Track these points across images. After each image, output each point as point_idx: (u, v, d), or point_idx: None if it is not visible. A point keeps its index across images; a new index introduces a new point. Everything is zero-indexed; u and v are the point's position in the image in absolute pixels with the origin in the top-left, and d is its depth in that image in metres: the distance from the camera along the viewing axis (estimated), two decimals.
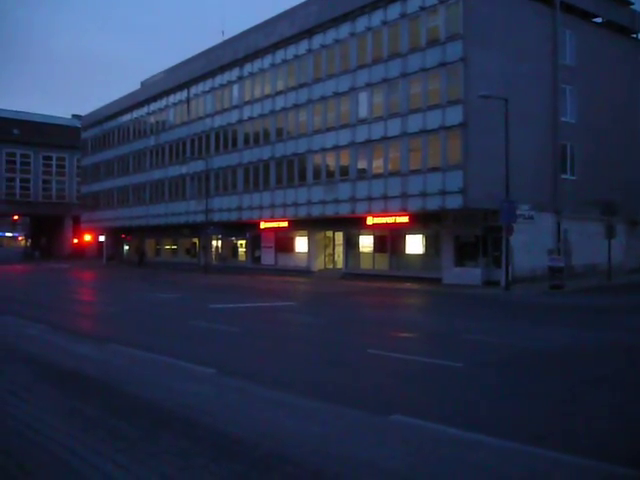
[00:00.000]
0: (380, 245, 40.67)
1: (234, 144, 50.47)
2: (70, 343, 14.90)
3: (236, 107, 50.20)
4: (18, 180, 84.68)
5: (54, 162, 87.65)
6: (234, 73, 50.38)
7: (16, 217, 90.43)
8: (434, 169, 34.37)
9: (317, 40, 42.06)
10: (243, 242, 53.70)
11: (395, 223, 37.65)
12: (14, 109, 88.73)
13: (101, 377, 10.77)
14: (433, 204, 34.38)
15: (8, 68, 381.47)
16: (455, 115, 33.08)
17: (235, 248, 55.21)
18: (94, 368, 11.62)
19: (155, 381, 10.54)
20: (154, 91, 62.57)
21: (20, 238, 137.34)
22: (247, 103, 48.95)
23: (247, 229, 50.51)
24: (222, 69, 51.75)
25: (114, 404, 8.88)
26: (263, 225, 48.15)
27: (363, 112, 38.79)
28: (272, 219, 46.64)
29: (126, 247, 74.22)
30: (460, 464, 6.52)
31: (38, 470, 6.18)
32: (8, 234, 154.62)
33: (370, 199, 38.02)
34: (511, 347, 14.41)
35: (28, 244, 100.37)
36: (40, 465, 6.33)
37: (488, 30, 33.34)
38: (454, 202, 33.15)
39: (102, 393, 9.59)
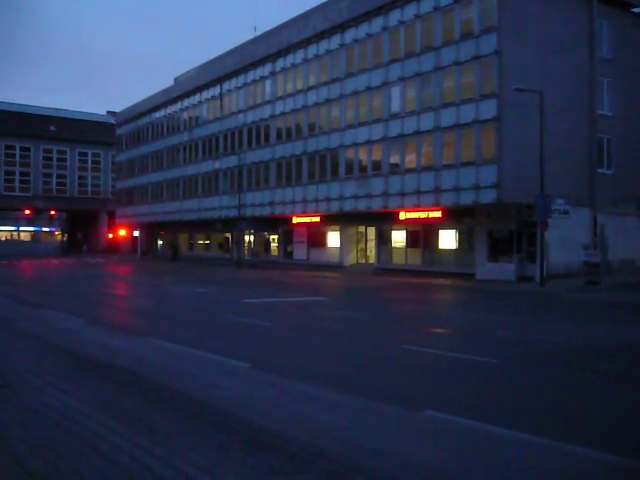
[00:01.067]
0: (413, 240, 40.46)
1: (266, 139, 50.60)
2: (106, 336, 15.09)
3: (268, 102, 50.32)
4: (55, 176, 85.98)
5: (89, 158, 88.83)
6: (266, 68, 50.49)
7: (53, 212, 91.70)
8: (468, 163, 34.08)
9: (349, 35, 41.92)
10: (275, 237, 53.87)
11: (428, 218, 37.40)
12: (50, 106, 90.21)
13: (137, 370, 10.89)
14: (467, 199, 34.10)
15: (44, 66, 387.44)
16: (489, 109, 32.73)
17: (267, 243, 55.39)
18: (130, 361, 11.76)
19: (190, 374, 10.62)
20: (187, 87, 63.04)
21: (57, 233, 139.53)
22: (279, 98, 49.02)
23: (279, 224, 50.63)
24: (254, 65, 51.89)
25: (150, 397, 8.98)
26: (295, 220, 48.22)
27: (396, 106, 38.58)
28: (304, 214, 46.68)
29: (160, 242, 74.97)
30: (495, 460, 6.47)
31: (77, 460, 6.27)
32: (45, 229, 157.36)
33: (403, 194, 37.84)
34: (547, 344, 14.23)
35: (64, 239, 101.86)
36: (79, 455, 6.42)
37: (523, 22, 32.90)
38: (488, 197, 32.83)
39: (138, 386, 9.70)
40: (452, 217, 36.36)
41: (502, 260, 34.77)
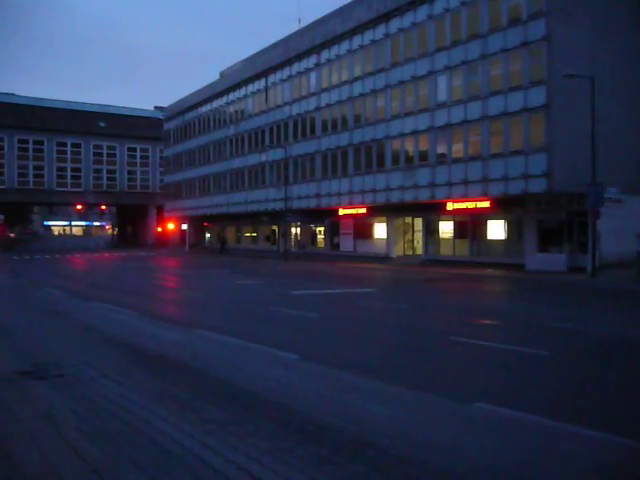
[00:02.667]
0: (460, 231, 40.09)
1: (312, 131, 50.66)
2: (157, 328, 15.33)
3: (314, 94, 50.35)
4: (105, 171, 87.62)
5: (138, 153, 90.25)
6: (311, 60, 50.50)
7: (103, 207, 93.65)
8: (516, 152, 33.58)
9: (394, 24, 41.62)
10: (322, 229, 53.99)
11: (476, 208, 37.02)
12: (100, 103, 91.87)
13: (188, 361, 11.04)
14: (515, 188, 33.63)
15: (94, 64, 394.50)
16: (538, 96, 32.17)
17: (314, 235, 55.55)
18: (181, 353, 11.92)
19: (240, 366, 10.72)
20: (233, 81, 63.49)
21: (107, 227, 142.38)
22: (324, 90, 49.00)
23: (326, 216, 50.70)
24: (299, 57, 51.95)
25: (201, 387, 9.10)
26: (342, 212, 48.24)
27: (442, 96, 38.22)
28: (351, 205, 46.66)
29: (208, 235, 75.84)
30: (549, 454, 6.37)
31: (132, 449, 6.39)
32: (96, 223, 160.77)
33: (450, 184, 37.52)
34: (600, 336, 13.94)
35: (115, 233, 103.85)
36: (133, 445, 6.54)
37: (572, 6, 32.22)
38: (537, 186, 32.32)
39: (189, 377, 9.84)
40: (501, 207, 35.89)
41: (553, 250, 34.20)
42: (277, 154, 54.20)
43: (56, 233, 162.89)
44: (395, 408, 8.07)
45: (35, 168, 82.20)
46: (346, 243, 50.01)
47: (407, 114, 40.82)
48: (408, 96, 40.91)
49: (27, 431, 6.52)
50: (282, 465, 5.95)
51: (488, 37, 34.98)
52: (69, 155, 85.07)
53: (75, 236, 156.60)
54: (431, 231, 42.33)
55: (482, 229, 38.68)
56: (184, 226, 78.00)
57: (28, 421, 6.92)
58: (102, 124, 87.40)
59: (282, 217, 52.78)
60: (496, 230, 37.99)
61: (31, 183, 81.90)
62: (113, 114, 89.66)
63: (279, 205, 53.05)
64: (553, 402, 8.49)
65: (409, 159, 41.05)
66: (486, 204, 36.17)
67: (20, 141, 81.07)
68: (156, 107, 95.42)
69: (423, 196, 39.65)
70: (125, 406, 8.10)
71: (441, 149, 38.64)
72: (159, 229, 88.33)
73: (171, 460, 6.09)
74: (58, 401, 8.29)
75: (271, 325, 15.88)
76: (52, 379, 9.58)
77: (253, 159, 59.69)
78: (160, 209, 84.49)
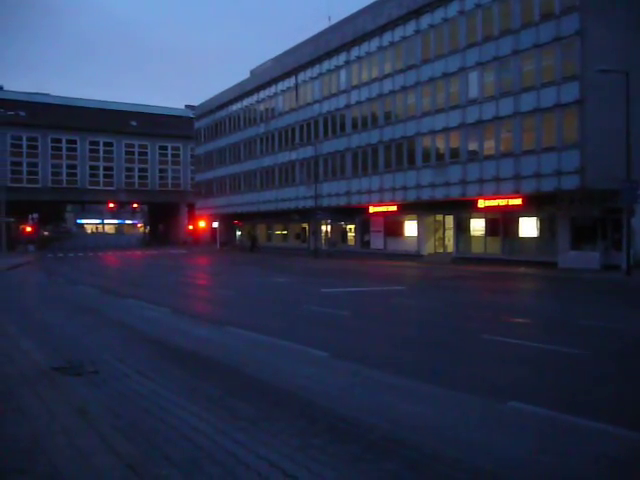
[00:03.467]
0: (492, 228, 39.71)
1: (342, 129, 50.60)
2: (189, 325, 15.45)
3: (344, 92, 50.27)
4: (136, 170, 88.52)
5: (169, 152, 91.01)
6: (341, 58, 50.43)
7: (135, 205, 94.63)
8: (549, 149, 33.19)
9: (425, 20, 41.38)
10: (352, 227, 53.89)
11: (508, 205, 36.65)
12: (132, 102, 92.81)
13: (220, 358, 11.11)
14: (548, 185, 33.24)
15: (126, 64, 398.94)
16: (571, 92, 31.74)
17: (344, 233, 55.48)
18: (213, 350, 12.00)
19: (271, 363, 10.76)
20: (263, 79, 63.67)
21: (139, 225, 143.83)
22: (355, 87, 48.89)
23: (356, 214, 50.61)
24: (329, 54, 51.91)
25: (233, 384, 9.16)
26: (372, 209, 48.11)
27: (473, 92, 37.90)
28: (381, 203, 46.53)
29: (238, 233, 76.19)
30: (583, 454, 6.29)
31: (165, 445, 6.45)
32: (128, 221, 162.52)
33: (481, 181, 37.22)
34: (635, 334, 13.72)
35: (147, 231, 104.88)
36: (167, 441, 6.60)
37: (606, 0, 31.66)
38: (571, 183, 31.91)
39: (221, 374, 9.90)
40: (533, 204, 35.49)
41: (586, 248, 33.70)
42: (307, 152, 54.26)
43: (89, 231, 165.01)
44: (427, 406, 8.03)
45: (68, 167, 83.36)
46: (376, 241, 49.87)
47: (438, 111, 40.56)
48: (439, 93, 40.65)
49: (62, 426, 6.61)
50: (314, 462, 5.96)
51: (520, 32, 34.58)
52: (101, 154, 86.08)
53: (107, 234, 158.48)
54: (462, 229, 42.01)
55: (514, 227, 38.27)
56: (215, 224, 78.44)
57: (63, 416, 7.00)
58: (134, 123, 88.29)
59: (312, 215, 52.81)
60: (528, 228, 37.56)
61: (64, 182, 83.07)
62: (144, 113, 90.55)
63: (309, 203, 53.08)
64: (588, 402, 8.36)
65: (440, 156, 40.79)
66: (518, 201, 35.79)
67: (53, 140, 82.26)
68: (187, 106, 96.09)
69: (454, 193, 39.39)
70: (158, 402, 8.19)
71: (472, 146, 38.33)
72: (190, 227, 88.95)
73: (204, 456, 6.13)
74: (92, 397, 8.40)
75: (302, 323, 15.90)
76: (86, 375, 9.72)
77: (283, 157, 59.83)
78: (191, 207, 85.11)
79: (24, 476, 5.23)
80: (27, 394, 8.01)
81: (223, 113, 73.23)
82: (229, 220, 75.18)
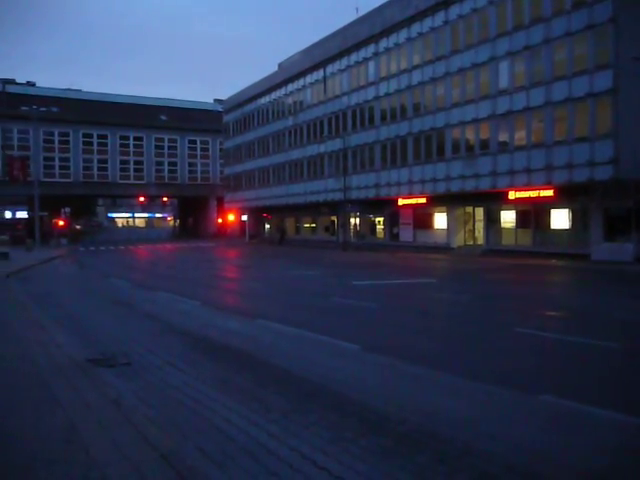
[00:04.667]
0: (523, 220, 39.32)
1: (371, 121, 50.43)
2: (220, 318, 15.54)
3: (372, 84, 50.06)
4: (166, 164, 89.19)
5: (198, 145, 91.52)
6: (369, 49, 50.19)
7: (165, 199, 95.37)
8: (581, 139, 32.73)
9: (454, 10, 40.99)
10: (381, 219, 53.75)
11: (539, 197, 36.23)
12: (161, 97, 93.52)
13: (250, 351, 11.16)
14: (580, 176, 32.79)
15: (154, 57, 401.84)
16: (604, 80, 31.24)
17: (373, 225, 55.37)
18: (243, 342, 12.06)
19: (302, 356, 10.78)
20: (291, 72, 63.66)
21: (169, 219, 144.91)
22: (383, 79, 48.67)
23: (385, 206, 50.46)
24: (357, 46, 51.71)
25: (264, 376, 9.19)
26: (401, 202, 47.91)
27: (504, 82, 37.49)
28: (410, 195, 46.31)
29: (267, 226, 76.43)
30: (619, 450, 6.20)
31: (198, 437, 6.50)
32: (158, 215, 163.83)
33: (512, 173, 36.85)
34: None
35: (177, 224, 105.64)
36: (199, 432, 6.66)
37: None
38: (604, 173, 31.44)
39: (252, 366, 9.93)
40: (565, 195, 35.04)
41: (619, 240, 33.20)
42: (336, 144, 54.17)
43: (120, 225, 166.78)
44: (459, 399, 7.98)
45: (99, 161, 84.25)
46: (406, 233, 49.69)
47: (467, 102, 40.21)
48: (468, 83, 40.28)
49: (97, 417, 6.69)
50: (346, 455, 5.96)
51: (552, 21, 34.09)
52: (132, 148, 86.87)
53: (138, 227, 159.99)
54: (492, 221, 41.66)
55: (545, 218, 37.85)
56: (244, 217, 78.78)
57: (98, 407, 7.09)
58: (163, 117, 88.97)
59: (341, 207, 52.76)
60: (560, 219, 37.12)
61: (95, 176, 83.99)
62: (174, 107, 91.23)
63: (338, 196, 53.02)
64: (623, 396, 8.24)
65: (470, 148, 40.46)
66: (550, 193, 35.37)
67: (85, 135, 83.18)
68: (215, 100, 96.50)
69: (484, 185, 39.06)
70: (190, 394, 8.25)
71: (503, 137, 37.94)
72: (219, 220, 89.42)
73: (236, 448, 6.17)
74: (126, 388, 8.49)
75: (332, 315, 15.90)
76: (120, 367, 9.82)
77: (312, 150, 59.82)
78: (220, 200, 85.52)
79: (61, 465, 5.31)
80: (62, 385, 8.13)
81: (252, 106, 73.39)
82: (258, 213, 75.44)
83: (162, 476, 5.08)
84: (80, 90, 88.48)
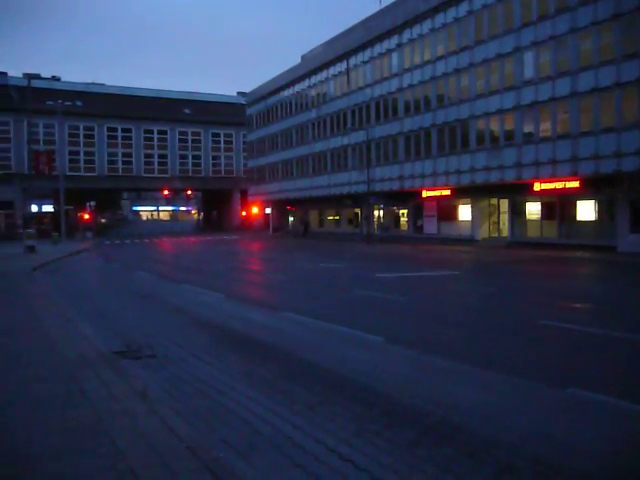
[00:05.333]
0: (548, 212, 38.94)
1: (394, 113, 50.20)
2: (244, 310, 15.60)
3: (396, 75, 49.81)
4: (190, 157, 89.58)
5: (222, 138, 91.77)
6: (393, 41, 49.91)
7: (189, 192, 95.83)
8: (608, 130, 32.30)
9: (478, 1, 40.57)
10: (405, 211, 53.56)
11: (565, 188, 35.85)
12: (184, 90, 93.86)
13: (275, 343, 11.19)
14: (607, 167, 32.39)
15: (178, 52, 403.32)
16: (631, 70, 30.80)
17: (397, 217, 55.20)
18: (267, 334, 12.10)
19: (326, 347, 10.78)
20: (314, 64, 63.54)
21: (193, 212, 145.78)
22: (407, 70, 48.39)
23: (409, 198, 50.27)
24: (380, 38, 51.45)
25: (288, 368, 9.21)
26: (425, 194, 47.69)
27: (529, 73, 37.09)
28: (434, 187, 46.08)
29: (291, 218, 76.52)
30: None
31: (223, 428, 6.54)
32: (182, 208, 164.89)
33: (537, 164, 36.49)
34: None
35: (200, 217, 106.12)
36: (225, 424, 6.70)
37: None
38: (631, 164, 31.02)
39: (276, 358, 9.96)
40: (591, 187, 34.64)
41: None
42: (359, 136, 54.02)
43: (144, 218, 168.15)
44: (484, 392, 7.94)
45: (124, 155, 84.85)
46: (430, 225, 49.48)
47: (492, 93, 39.85)
48: (493, 74, 39.91)
49: (124, 408, 6.75)
50: (371, 447, 5.96)
51: (578, 10, 33.63)
52: (156, 142, 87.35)
53: (162, 221, 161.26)
54: (517, 212, 41.31)
55: (571, 210, 37.46)
56: (268, 210, 78.94)
57: (124, 399, 7.16)
58: (187, 111, 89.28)
59: (365, 200, 52.65)
60: (586, 211, 36.70)
61: (120, 170, 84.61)
62: (197, 101, 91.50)
63: (362, 188, 52.91)
64: None
65: (494, 139, 40.12)
66: (575, 184, 34.98)
67: (109, 129, 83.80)
68: (238, 92, 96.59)
69: (509, 177, 38.73)
70: (215, 386, 8.30)
71: (528, 128, 37.57)
72: (243, 213, 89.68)
73: (262, 440, 6.20)
74: (151, 380, 8.57)
75: (356, 308, 15.88)
76: (145, 359, 9.91)
77: (335, 142, 59.72)
78: (244, 193, 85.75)
79: (88, 456, 5.37)
80: (89, 377, 8.21)
81: (275, 99, 73.42)
82: (282, 206, 75.57)
83: (188, 467, 5.11)
84: (103, 84, 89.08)
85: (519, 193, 39.68)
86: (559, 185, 35.93)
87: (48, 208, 70.37)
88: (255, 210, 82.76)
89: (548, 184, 36.57)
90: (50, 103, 62.73)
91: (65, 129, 77.47)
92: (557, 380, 8.37)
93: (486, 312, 15.02)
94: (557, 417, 6.89)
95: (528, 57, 37.16)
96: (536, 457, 5.71)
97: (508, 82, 38.55)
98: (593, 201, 36.22)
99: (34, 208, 59.66)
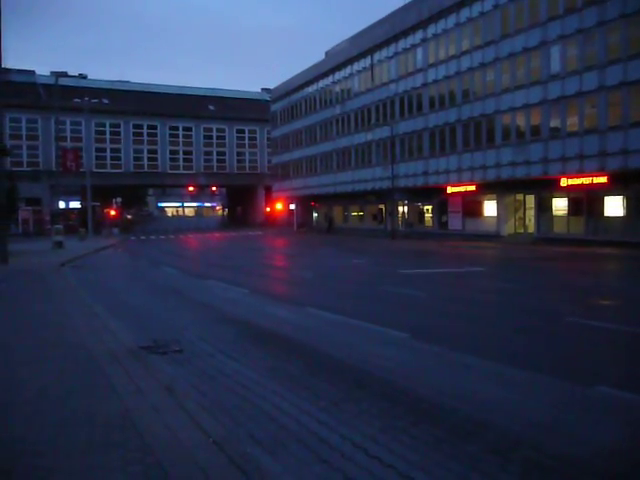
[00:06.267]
0: (575, 208, 38.51)
1: (419, 108, 49.97)
2: (268, 306, 15.64)
3: (420, 70, 49.57)
4: (215, 153, 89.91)
5: (246, 135, 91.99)
6: (417, 36, 49.67)
7: (214, 188, 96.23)
8: (636, 124, 31.89)
9: None
10: (429, 207, 53.31)
11: (592, 184, 35.45)
12: (209, 87, 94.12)
13: (300, 339, 11.21)
14: (636, 162, 31.98)
15: (203, 48, 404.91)
16: None
17: (421, 213, 54.97)
18: (292, 330, 12.13)
19: (351, 344, 10.77)
20: (338, 60, 63.44)
21: (218, 208, 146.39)
22: (431, 66, 48.15)
23: (433, 194, 50.04)
24: (405, 33, 51.23)
25: (314, 364, 9.22)
26: (450, 190, 47.43)
27: (555, 67, 36.71)
28: (459, 183, 45.81)
29: (315, 214, 76.54)
30: None
31: (250, 423, 6.57)
32: (207, 204, 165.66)
33: (564, 159, 36.12)
34: None
35: (225, 213, 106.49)
36: (251, 420, 6.72)
37: None
38: None
39: (302, 354, 9.97)
40: (619, 182, 34.21)
41: None
42: (384, 132, 53.86)
43: (169, 214, 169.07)
44: (510, 389, 7.88)
45: (149, 152, 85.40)
46: (454, 221, 49.21)
47: (518, 87, 39.51)
48: (519, 69, 39.57)
49: (151, 403, 6.81)
50: (397, 444, 5.94)
51: (606, 3, 33.20)
52: (181, 138, 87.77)
53: (187, 217, 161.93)
54: (543, 208, 40.92)
55: (598, 206, 37.01)
56: (292, 206, 79.04)
57: (151, 393, 7.21)
58: (211, 107, 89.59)
59: (389, 196, 52.50)
60: (614, 206, 36.24)
61: (146, 166, 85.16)
62: (222, 97, 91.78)
63: (386, 184, 52.76)
64: None
65: (520, 134, 39.78)
66: (603, 179, 34.57)
67: (135, 126, 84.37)
68: (263, 89, 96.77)
69: (535, 172, 38.39)
70: (241, 381, 8.33)
71: (554, 123, 37.19)
72: (267, 209, 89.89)
73: (287, 436, 6.21)
74: (178, 375, 8.63)
75: (381, 304, 15.86)
76: (172, 354, 9.98)
77: (359, 138, 59.61)
78: (268, 189, 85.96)
79: (117, 450, 5.42)
80: (117, 372, 8.29)
81: (299, 95, 73.44)
82: (306, 202, 75.62)
83: (215, 462, 5.14)
84: (129, 82, 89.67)
85: (545, 189, 39.31)
86: (586, 180, 35.54)
87: (75, 204, 71.07)
88: (279, 206, 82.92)
89: (575, 179, 36.18)
90: (77, 101, 63.30)
91: (92, 126, 78.21)
92: (584, 378, 8.28)
93: (512, 309, 14.91)
94: (584, 415, 6.82)
95: (555, 51, 36.78)
96: (564, 456, 5.66)
97: (534, 76, 38.19)
98: (621, 197, 35.75)
99: (62, 204, 60.25)
